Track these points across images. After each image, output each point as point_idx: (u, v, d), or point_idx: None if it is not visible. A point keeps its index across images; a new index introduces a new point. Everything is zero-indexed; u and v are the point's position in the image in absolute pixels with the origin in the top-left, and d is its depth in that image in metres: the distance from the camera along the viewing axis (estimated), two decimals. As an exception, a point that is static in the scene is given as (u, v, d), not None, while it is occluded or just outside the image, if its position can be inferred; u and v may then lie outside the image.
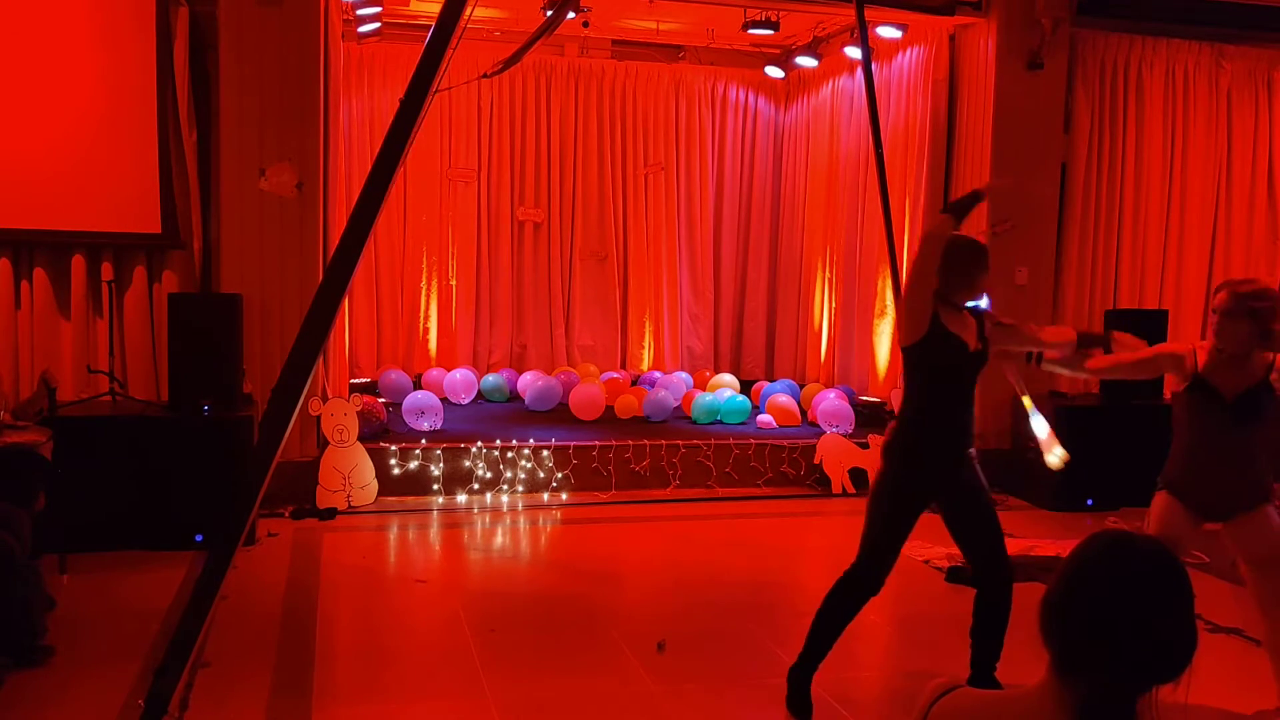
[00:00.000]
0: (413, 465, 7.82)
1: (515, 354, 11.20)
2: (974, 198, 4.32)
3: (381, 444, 7.88)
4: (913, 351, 4.20)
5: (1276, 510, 4.29)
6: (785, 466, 8.47)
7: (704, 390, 9.99)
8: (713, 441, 8.42)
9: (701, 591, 5.91)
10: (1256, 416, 4.16)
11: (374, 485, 7.58)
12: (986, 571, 4.34)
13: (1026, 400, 4.76)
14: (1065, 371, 4.72)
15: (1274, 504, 4.30)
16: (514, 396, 10.33)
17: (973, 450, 4.32)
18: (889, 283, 8.58)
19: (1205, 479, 4.23)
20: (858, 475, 8.17)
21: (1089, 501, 7.82)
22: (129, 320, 7.19)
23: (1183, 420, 4.28)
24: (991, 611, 4.32)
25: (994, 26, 8.39)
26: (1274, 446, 4.30)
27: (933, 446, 4.24)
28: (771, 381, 10.79)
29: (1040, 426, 4.70)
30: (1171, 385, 4.35)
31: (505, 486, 7.90)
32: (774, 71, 11.11)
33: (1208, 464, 4.22)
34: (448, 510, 7.56)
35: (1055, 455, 4.62)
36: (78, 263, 7.06)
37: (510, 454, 7.96)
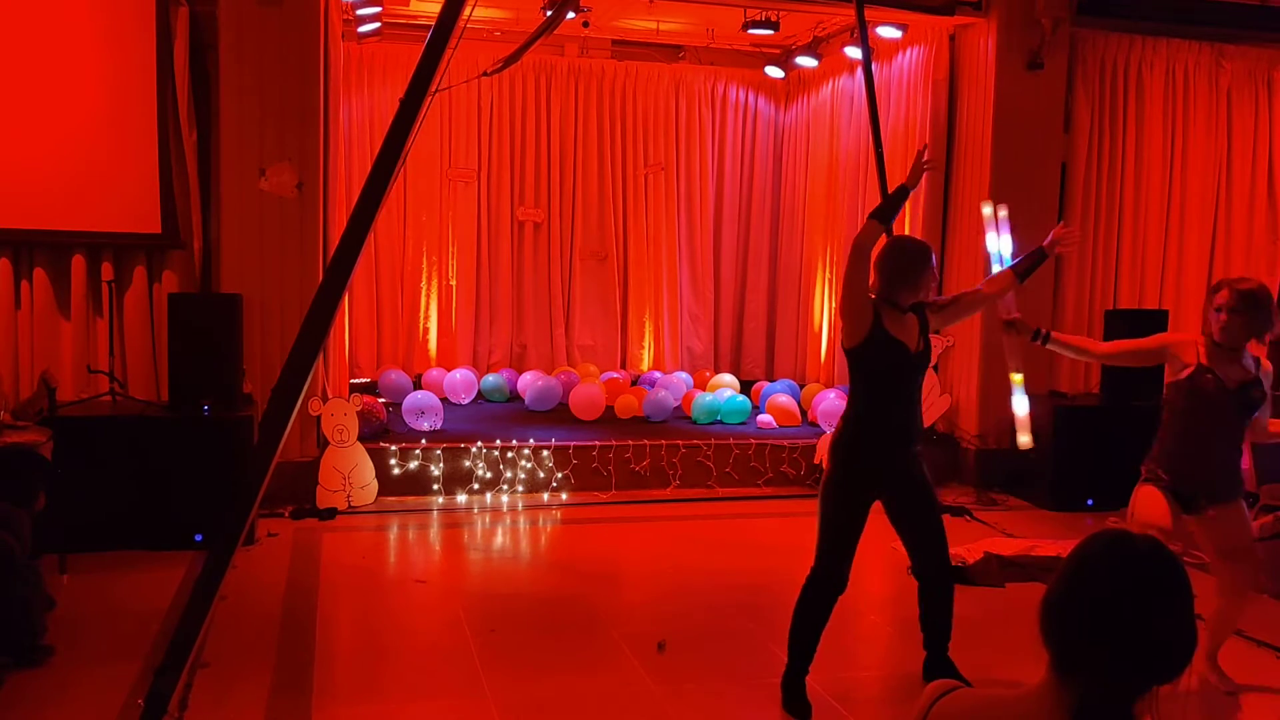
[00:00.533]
0: (413, 465, 7.82)
1: (515, 354, 11.19)
2: (900, 195, 4.33)
3: (381, 444, 7.88)
4: (854, 354, 4.25)
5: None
6: (785, 466, 8.47)
7: (704, 390, 9.99)
8: (713, 441, 8.42)
9: (701, 591, 5.90)
10: (1256, 407, 4.31)
11: (374, 485, 7.58)
12: (924, 568, 4.44)
13: (1017, 377, 4.87)
14: (1070, 355, 4.85)
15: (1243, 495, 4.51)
16: (514, 396, 10.33)
17: (918, 449, 4.36)
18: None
19: (1200, 467, 4.33)
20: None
21: (1089, 501, 7.81)
22: (129, 320, 7.19)
23: (1182, 408, 4.35)
24: (932, 603, 4.44)
25: (994, 26, 8.38)
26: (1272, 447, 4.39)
27: (872, 446, 4.30)
28: (771, 381, 10.78)
29: (1021, 406, 4.88)
30: (1170, 374, 4.41)
31: (505, 486, 7.90)
32: (774, 71, 11.10)
33: (1205, 451, 4.33)
34: (448, 510, 7.56)
35: (1026, 437, 4.93)
36: (78, 263, 7.06)
37: (510, 454, 7.96)
